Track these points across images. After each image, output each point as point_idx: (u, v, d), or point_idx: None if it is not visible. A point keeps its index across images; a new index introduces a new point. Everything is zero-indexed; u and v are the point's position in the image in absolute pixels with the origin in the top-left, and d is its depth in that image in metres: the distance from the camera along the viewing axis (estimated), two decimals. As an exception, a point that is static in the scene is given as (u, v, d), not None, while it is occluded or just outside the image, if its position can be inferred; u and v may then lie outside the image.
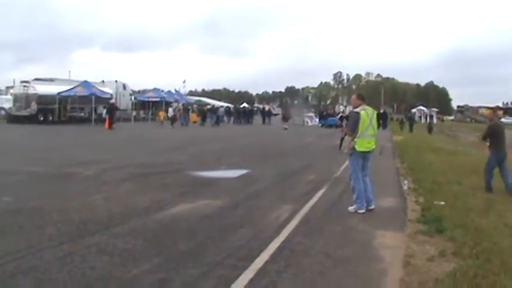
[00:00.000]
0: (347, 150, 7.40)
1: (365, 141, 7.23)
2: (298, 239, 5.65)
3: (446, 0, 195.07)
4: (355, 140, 7.19)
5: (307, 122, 46.23)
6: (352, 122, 7.35)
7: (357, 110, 7.37)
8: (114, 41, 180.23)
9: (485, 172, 9.72)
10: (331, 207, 7.72)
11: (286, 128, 36.16)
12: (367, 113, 7.27)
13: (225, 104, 62.77)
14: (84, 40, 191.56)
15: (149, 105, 43.42)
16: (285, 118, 40.81)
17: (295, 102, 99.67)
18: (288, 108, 53.56)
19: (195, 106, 50.69)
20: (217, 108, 45.67)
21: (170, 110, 37.95)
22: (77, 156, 13.85)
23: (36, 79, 33.21)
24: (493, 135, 9.88)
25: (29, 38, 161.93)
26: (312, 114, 54.83)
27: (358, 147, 7.21)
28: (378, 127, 7.72)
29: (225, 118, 46.13)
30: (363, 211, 7.19)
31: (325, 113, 51.33)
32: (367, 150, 7.30)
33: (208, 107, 45.57)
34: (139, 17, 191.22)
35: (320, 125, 42.27)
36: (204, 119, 40.97)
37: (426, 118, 68.37)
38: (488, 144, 9.99)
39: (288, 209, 7.26)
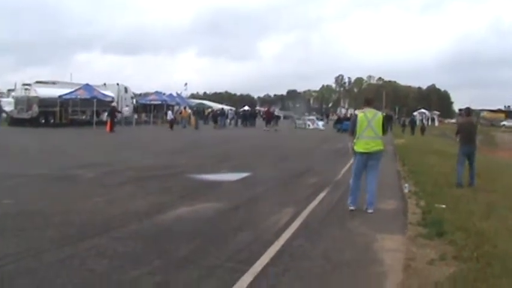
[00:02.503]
0: (351, 151, 7.72)
1: (362, 143, 7.41)
2: (298, 242, 5.64)
3: (448, 3, 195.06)
4: (354, 141, 7.47)
5: (309, 125, 46.12)
6: (350, 124, 7.78)
7: (356, 112, 7.55)
8: (115, 43, 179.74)
9: (456, 167, 10.66)
10: (332, 210, 7.71)
11: (267, 130, 35.12)
12: (365, 116, 7.45)
13: (227, 107, 62.65)
14: (86, 43, 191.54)
15: (151, 108, 43.45)
16: (268, 120, 38.91)
17: (297, 105, 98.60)
18: (269, 108, 48.92)
19: (194, 109, 50.70)
20: (224, 111, 45.84)
21: (169, 113, 37.91)
22: (78, 159, 13.85)
23: (38, 82, 33.05)
24: (460, 130, 10.96)
25: (30, 41, 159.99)
26: (313, 117, 54.64)
27: (357, 148, 7.48)
28: (386, 130, 7.74)
29: (233, 121, 46.24)
30: (352, 208, 7.48)
31: (341, 117, 49.14)
32: (366, 151, 7.41)
33: (210, 110, 45.58)
34: (141, 19, 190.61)
35: (336, 129, 40.44)
36: (215, 121, 41.42)
37: (427, 121, 68.55)
38: (458, 140, 10.98)
39: (288, 212, 7.24)
